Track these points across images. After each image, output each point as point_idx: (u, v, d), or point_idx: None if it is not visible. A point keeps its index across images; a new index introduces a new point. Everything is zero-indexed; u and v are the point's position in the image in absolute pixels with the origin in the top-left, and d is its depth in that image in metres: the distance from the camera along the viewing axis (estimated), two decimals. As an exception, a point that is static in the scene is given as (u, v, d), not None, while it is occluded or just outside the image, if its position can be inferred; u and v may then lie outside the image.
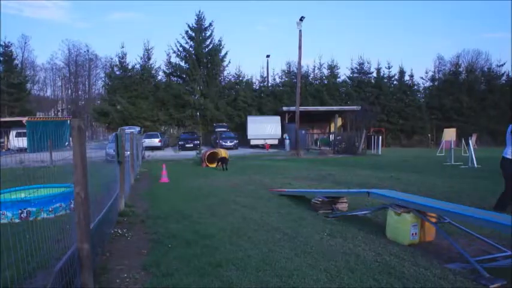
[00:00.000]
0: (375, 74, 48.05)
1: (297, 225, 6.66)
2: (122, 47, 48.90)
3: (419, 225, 5.66)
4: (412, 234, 5.61)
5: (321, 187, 11.28)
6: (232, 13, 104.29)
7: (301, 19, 29.32)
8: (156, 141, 34.06)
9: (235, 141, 35.45)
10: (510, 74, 47.83)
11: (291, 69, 46.67)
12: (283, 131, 37.21)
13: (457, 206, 6.37)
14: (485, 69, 49.75)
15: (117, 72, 44.44)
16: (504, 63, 48.43)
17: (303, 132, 34.73)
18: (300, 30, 29.48)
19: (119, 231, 6.39)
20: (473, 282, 4.18)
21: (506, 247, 5.24)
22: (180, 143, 34.49)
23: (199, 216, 7.58)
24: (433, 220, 5.70)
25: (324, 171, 15.60)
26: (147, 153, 26.62)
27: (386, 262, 4.84)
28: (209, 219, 7.28)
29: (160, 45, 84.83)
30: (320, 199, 7.87)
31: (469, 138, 20.61)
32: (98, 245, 4.79)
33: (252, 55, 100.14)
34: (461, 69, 49.31)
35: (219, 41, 46.14)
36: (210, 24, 46.06)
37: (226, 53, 46.20)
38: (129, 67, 44.46)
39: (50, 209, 7.16)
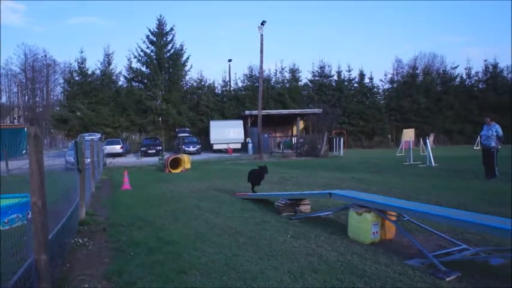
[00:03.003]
0: (335, 77, 49.00)
1: (260, 229, 6.68)
2: (81, 52, 47.50)
3: (380, 224, 5.78)
4: (373, 233, 5.72)
5: (284, 190, 11.36)
6: (193, 18, 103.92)
7: (263, 23, 29.48)
8: (117, 148, 33.50)
9: (198, 146, 35.32)
10: (464, 76, 49.75)
11: (253, 73, 46.86)
12: (246, 135, 37.30)
13: (416, 203, 6.58)
14: (441, 72, 51.59)
15: (77, 78, 43.56)
16: (458, 66, 50.64)
17: (266, 135, 34.88)
18: (262, 35, 29.65)
19: (80, 240, 6.24)
20: (431, 276, 4.32)
21: (461, 241, 5.45)
22: (142, 149, 34.09)
23: (162, 222, 7.50)
24: (393, 218, 5.85)
25: (286, 174, 15.71)
26: (109, 160, 26.13)
27: (349, 261, 4.92)
28: (172, 225, 7.21)
29: (121, 50, 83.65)
30: (283, 202, 7.92)
31: (427, 138, 21.24)
32: (57, 255, 4.66)
33: (214, 60, 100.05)
34: (418, 72, 50.95)
35: (180, 45, 46.03)
36: (171, 29, 45.91)
37: (188, 58, 46.11)
38: (89, 72, 43.70)
39: (6, 221, 6.90)
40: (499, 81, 48.26)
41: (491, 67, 48.73)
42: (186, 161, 19.61)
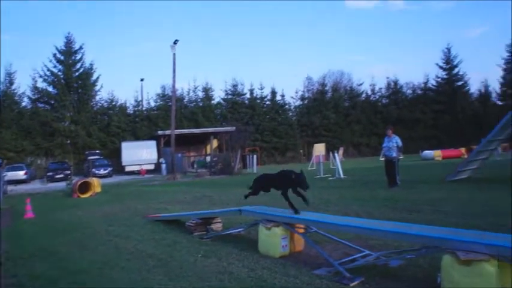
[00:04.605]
0: (248, 95, 49.85)
1: (171, 250, 6.55)
2: (-22, 70, 44.43)
3: (288, 237, 5.91)
4: (282, 246, 5.83)
5: (196, 209, 11.24)
6: (103, 36, 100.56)
7: (175, 42, 29.41)
8: (21, 174, 31.42)
9: (109, 169, 34.13)
10: (369, 92, 53.09)
11: (166, 93, 46.44)
12: (159, 155, 36.67)
13: (323, 215, 6.82)
14: (348, 88, 54.52)
15: (-28, 99, 40.44)
16: (363, 83, 54.01)
17: (180, 155, 34.51)
18: (174, 54, 29.54)
19: (-31, 279, 5.70)
20: (337, 283, 4.50)
21: (365, 247, 5.72)
22: (48, 174, 32.27)
23: (67, 251, 7.10)
24: (301, 231, 6.00)
25: (200, 193, 15.61)
26: (10, 187, 24.40)
27: (259, 276, 4.96)
28: (79, 254, 6.84)
29: (25, 69, 78.49)
30: (194, 221, 7.84)
31: (336, 151, 22.13)
32: None
33: (125, 79, 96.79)
34: (327, 89, 53.40)
35: (90, 64, 44.65)
36: (81, 47, 44.49)
37: (98, 77, 44.87)
38: (-13, 93, 40.76)
39: None
40: (399, 96, 52.06)
41: (392, 84, 52.53)
42: (96, 184, 18.87)
